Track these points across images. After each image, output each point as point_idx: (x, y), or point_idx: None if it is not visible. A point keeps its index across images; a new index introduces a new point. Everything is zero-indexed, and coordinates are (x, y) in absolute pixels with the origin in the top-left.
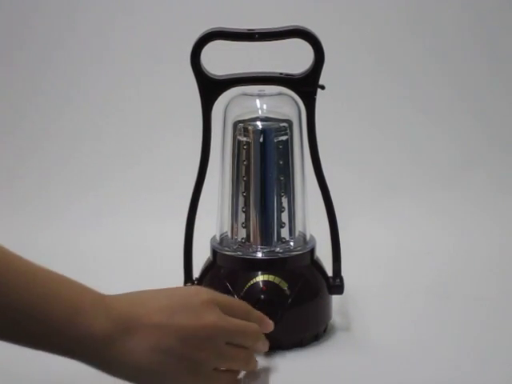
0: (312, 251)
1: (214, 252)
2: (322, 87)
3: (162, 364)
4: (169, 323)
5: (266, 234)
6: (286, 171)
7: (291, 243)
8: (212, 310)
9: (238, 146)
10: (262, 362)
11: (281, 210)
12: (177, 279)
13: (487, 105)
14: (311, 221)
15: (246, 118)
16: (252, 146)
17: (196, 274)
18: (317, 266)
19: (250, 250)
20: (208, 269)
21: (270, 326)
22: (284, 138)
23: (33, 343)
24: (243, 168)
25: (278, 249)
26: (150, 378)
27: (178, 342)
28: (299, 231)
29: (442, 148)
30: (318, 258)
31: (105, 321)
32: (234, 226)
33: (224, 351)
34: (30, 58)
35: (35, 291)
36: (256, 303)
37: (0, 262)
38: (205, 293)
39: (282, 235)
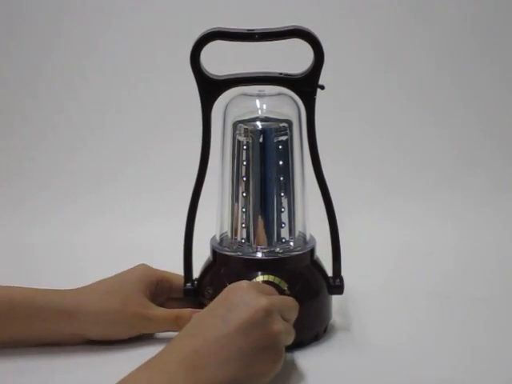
0: (312, 251)
1: (214, 252)
2: (322, 87)
3: (243, 368)
4: (228, 328)
5: (266, 234)
6: (286, 171)
7: (291, 243)
8: (254, 294)
9: (237, 146)
10: None
11: (281, 210)
12: None
13: (488, 104)
14: (311, 221)
15: (246, 118)
16: (252, 146)
17: (196, 274)
18: (317, 266)
19: (250, 250)
20: (208, 269)
21: None
22: (284, 138)
23: None
24: (243, 168)
25: (278, 249)
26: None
27: (246, 338)
28: (299, 231)
29: (442, 148)
30: (317, 258)
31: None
32: (234, 226)
33: (284, 325)
34: (28, 56)
35: None
36: None
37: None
38: (239, 284)
39: (282, 235)
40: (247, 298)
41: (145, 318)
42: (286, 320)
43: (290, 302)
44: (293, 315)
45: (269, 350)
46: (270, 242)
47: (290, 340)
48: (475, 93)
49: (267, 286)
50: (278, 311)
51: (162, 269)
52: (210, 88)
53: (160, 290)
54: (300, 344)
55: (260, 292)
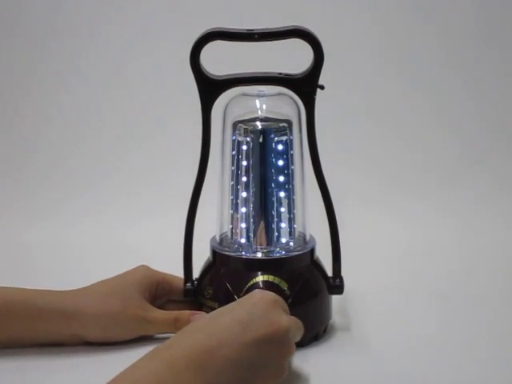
0: (312, 251)
1: (214, 252)
2: (322, 87)
3: (248, 378)
4: (245, 337)
5: (266, 234)
6: (286, 171)
7: (291, 243)
8: (278, 311)
9: (237, 146)
10: None
11: (280, 210)
12: None
13: (491, 102)
14: (311, 221)
15: (246, 118)
16: (252, 146)
17: (196, 274)
18: (317, 266)
19: (250, 250)
20: (208, 269)
21: None
22: (284, 138)
23: None
24: (243, 168)
25: (278, 249)
26: None
27: (258, 352)
28: (299, 231)
29: (443, 148)
30: (317, 258)
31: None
32: (234, 226)
33: (293, 345)
34: (26, 52)
35: None
36: None
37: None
38: (268, 295)
39: (282, 235)
40: (272, 312)
41: (144, 321)
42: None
43: (299, 323)
44: (299, 337)
45: (276, 367)
46: (269, 242)
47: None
48: (476, 91)
49: (284, 302)
50: (293, 332)
51: (162, 269)
52: (210, 88)
53: (160, 291)
54: (300, 344)
55: (283, 309)
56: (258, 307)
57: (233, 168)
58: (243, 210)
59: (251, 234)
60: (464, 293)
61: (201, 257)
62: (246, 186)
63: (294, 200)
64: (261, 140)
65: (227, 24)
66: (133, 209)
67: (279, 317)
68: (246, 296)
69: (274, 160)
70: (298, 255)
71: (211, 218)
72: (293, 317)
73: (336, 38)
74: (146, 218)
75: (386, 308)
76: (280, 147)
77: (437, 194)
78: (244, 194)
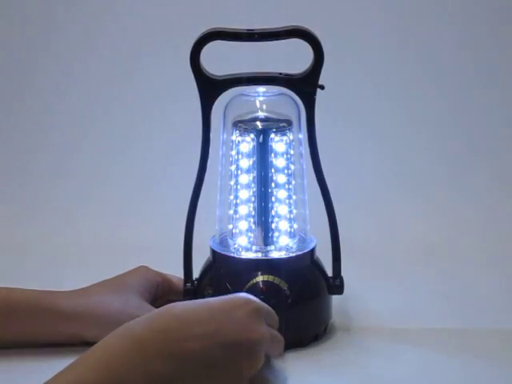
0: (312, 251)
1: (214, 252)
2: (322, 87)
3: (207, 376)
4: (215, 335)
5: (266, 234)
6: (286, 171)
7: (291, 243)
8: (257, 320)
9: (237, 146)
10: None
11: (281, 210)
12: None
13: (491, 101)
14: (311, 221)
15: (246, 118)
16: (252, 145)
17: (196, 274)
18: (317, 265)
19: (250, 250)
20: (208, 269)
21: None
22: (284, 138)
23: None
24: (243, 168)
25: (278, 249)
26: None
27: (226, 355)
28: (299, 231)
29: (443, 149)
30: (317, 258)
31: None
32: (234, 226)
33: (262, 359)
34: (27, 53)
35: None
36: None
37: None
38: (252, 302)
39: (282, 235)
40: (249, 320)
41: None
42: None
43: (278, 338)
44: (277, 352)
45: (236, 375)
46: (269, 243)
47: (261, 371)
48: (476, 91)
49: (273, 314)
50: (267, 345)
51: (162, 269)
52: (210, 88)
53: (160, 292)
54: (300, 344)
55: (266, 319)
56: (238, 312)
57: (233, 168)
58: (243, 210)
59: (251, 234)
60: (465, 293)
61: (201, 257)
62: (246, 186)
63: (294, 200)
64: (261, 140)
65: (227, 24)
66: (133, 209)
67: (255, 326)
68: (232, 297)
69: (273, 160)
70: (298, 255)
71: (211, 217)
72: (273, 331)
73: (336, 38)
74: (146, 217)
75: (386, 308)
76: (280, 147)
77: (437, 194)
78: (244, 194)
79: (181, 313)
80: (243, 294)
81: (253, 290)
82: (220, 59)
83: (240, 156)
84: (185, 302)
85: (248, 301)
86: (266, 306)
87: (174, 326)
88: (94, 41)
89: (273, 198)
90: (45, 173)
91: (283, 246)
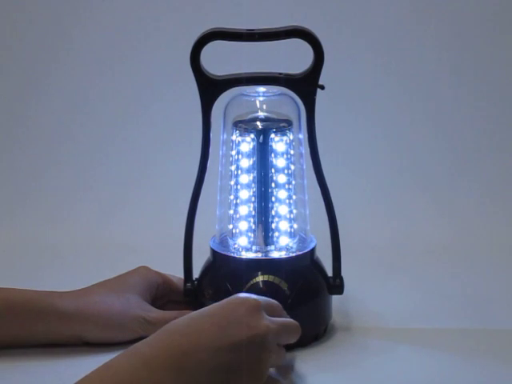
0: (312, 251)
1: (214, 252)
2: (322, 87)
3: (222, 381)
4: (220, 341)
5: (266, 234)
6: (286, 171)
7: (291, 243)
8: (258, 315)
9: (237, 146)
10: None
11: (281, 210)
12: None
13: (489, 102)
14: (311, 221)
15: (246, 118)
16: (252, 145)
17: (196, 274)
18: (317, 266)
19: (250, 250)
20: (208, 269)
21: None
22: (284, 137)
23: None
24: (243, 168)
25: (278, 249)
26: None
27: (235, 357)
28: (299, 231)
29: (444, 149)
30: (317, 258)
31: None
32: (234, 226)
33: (275, 350)
34: (27, 53)
35: None
36: None
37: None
38: (248, 300)
39: (282, 235)
40: (251, 317)
41: (145, 321)
42: (282, 344)
43: (293, 326)
44: (292, 340)
45: (254, 372)
46: (269, 242)
47: (279, 363)
48: (475, 91)
49: (275, 304)
50: (276, 336)
51: (162, 269)
52: (210, 88)
53: (160, 292)
54: (300, 344)
55: (267, 311)
56: (238, 312)
57: (233, 168)
58: (243, 210)
59: (251, 234)
60: (465, 292)
61: (201, 257)
62: (246, 186)
63: (294, 200)
64: (261, 140)
65: (227, 24)
66: (133, 209)
67: (257, 322)
68: (228, 300)
69: (274, 160)
70: (298, 255)
71: (211, 218)
72: (279, 320)
73: (336, 38)
74: (146, 217)
75: (386, 308)
76: (280, 147)
77: (438, 194)
78: (244, 194)
79: (184, 327)
80: (240, 294)
81: (253, 290)
82: (220, 59)
83: (240, 156)
84: (186, 315)
85: (244, 300)
86: (263, 298)
87: (180, 340)
88: (93, 40)
89: (273, 198)
90: (43, 173)
91: (283, 246)
